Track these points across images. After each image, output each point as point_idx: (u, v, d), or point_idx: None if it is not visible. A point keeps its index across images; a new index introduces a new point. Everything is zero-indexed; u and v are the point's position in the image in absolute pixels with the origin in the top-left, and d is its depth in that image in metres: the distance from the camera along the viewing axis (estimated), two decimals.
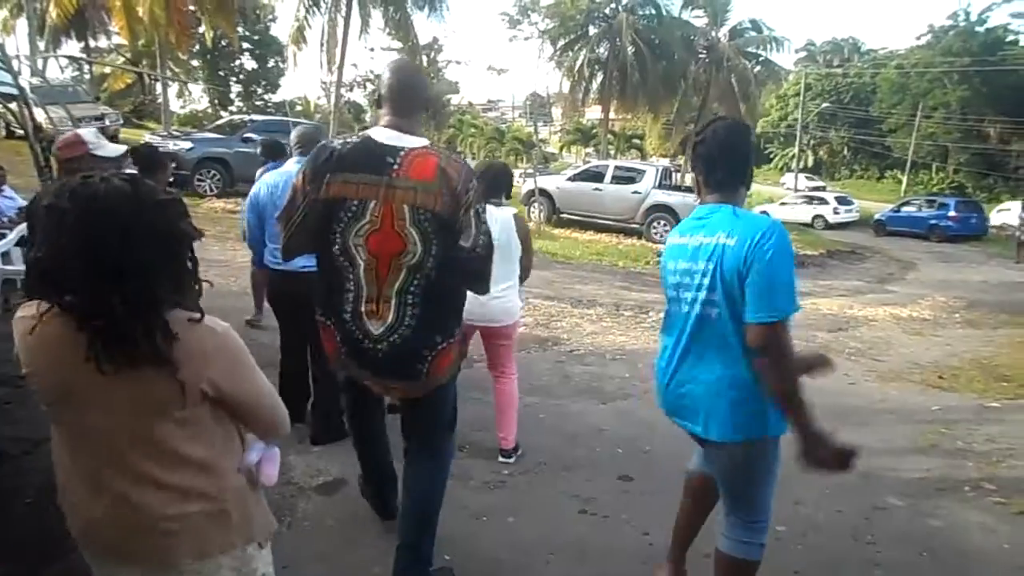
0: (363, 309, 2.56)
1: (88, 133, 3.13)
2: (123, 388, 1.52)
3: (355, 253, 2.51)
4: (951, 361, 7.75)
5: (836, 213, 30.16)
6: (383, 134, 2.58)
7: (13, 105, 5.94)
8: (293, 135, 4.97)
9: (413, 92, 2.72)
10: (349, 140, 2.60)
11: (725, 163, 2.43)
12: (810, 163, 53.52)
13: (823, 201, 31.51)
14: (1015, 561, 3.41)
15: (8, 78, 5.65)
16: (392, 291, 2.53)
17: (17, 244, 7.29)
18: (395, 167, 2.49)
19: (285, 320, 4.44)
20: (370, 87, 49.23)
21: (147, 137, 17.88)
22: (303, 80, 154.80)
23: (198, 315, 1.57)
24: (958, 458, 4.65)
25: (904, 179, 44.74)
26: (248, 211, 4.55)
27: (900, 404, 5.85)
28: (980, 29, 42.46)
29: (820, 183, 46.61)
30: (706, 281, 2.30)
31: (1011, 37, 41.80)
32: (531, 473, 4.10)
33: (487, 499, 3.74)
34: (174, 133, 20.58)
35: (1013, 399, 6.12)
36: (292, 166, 4.52)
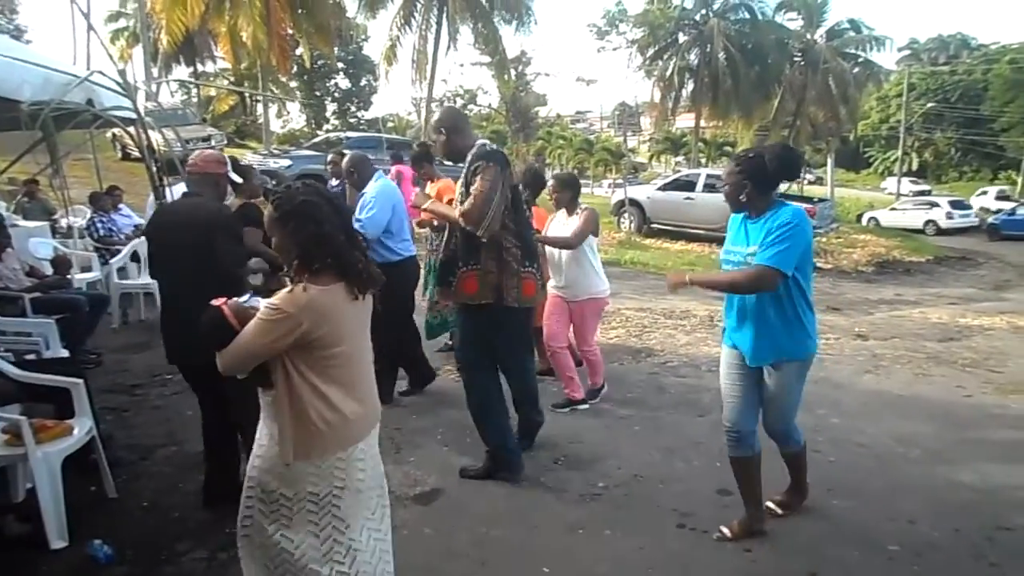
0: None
1: (227, 159, 3.70)
2: (363, 313, 2.30)
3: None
4: None
5: (950, 218, 28.42)
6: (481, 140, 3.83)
7: (131, 128, 6.30)
8: (346, 162, 5.03)
9: (459, 115, 4.35)
10: (486, 144, 3.72)
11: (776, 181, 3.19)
12: (914, 166, 51.27)
13: (935, 205, 29.89)
14: None
15: (127, 103, 5.99)
16: None
17: (132, 259, 7.75)
18: None
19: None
20: (460, 102, 50.05)
21: (248, 156, 18.70)
22: (394, 97, 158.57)
23: None
24: None
25: (1020, 180, 42.23)
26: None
27: (1022, 417, 5.48)
28: None
29: (925, 187, 44.51)
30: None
31: None
32: (627, 486, 4.03)
33: (583, 511, 3.70)
34: (274, 151, 21.38)
35: None
36: (373, 186, 4.77)
